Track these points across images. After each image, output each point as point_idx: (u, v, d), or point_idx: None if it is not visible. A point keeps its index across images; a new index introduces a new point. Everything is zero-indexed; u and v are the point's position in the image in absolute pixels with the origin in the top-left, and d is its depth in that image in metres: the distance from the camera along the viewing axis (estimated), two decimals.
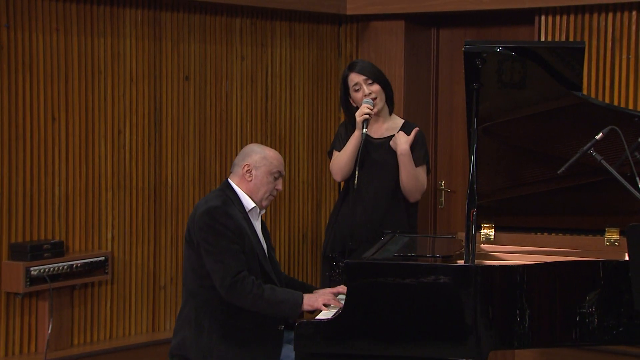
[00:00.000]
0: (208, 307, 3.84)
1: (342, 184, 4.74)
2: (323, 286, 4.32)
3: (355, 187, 4.45)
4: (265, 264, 3.90)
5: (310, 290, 4.10)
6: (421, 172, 4.60)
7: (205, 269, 3.81)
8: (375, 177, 4.58)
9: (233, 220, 3.80)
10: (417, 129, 4.61)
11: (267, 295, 3.77)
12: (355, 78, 4.56)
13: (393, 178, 4.57)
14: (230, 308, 3.80)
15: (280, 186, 4.00)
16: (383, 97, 4.57)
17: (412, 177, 4.52)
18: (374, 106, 4.50)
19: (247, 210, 3.93)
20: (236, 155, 4.08)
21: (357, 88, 4.55)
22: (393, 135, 4.60)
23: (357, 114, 4.49)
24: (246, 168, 3.93)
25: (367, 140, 4.54)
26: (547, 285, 3.56)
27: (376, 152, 4.58)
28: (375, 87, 4.54)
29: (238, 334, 3.82)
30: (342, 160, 4.53)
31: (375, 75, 4.55)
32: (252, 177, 3.93)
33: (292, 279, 4.29)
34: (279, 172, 3.98)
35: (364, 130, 4.45)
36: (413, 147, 4.59)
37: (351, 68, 4.61)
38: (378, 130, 4.62)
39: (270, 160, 3.95)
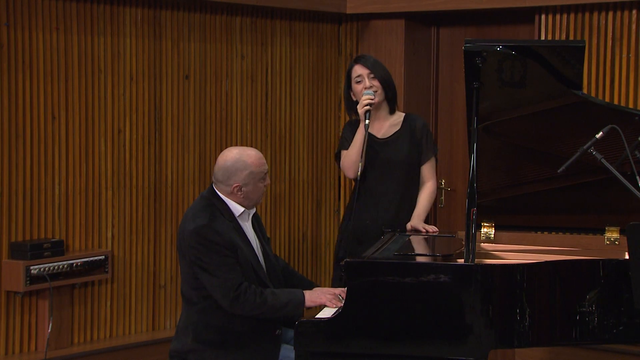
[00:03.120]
0: (205, 314, 3.83)
1: (354, 183, 4.72)
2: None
3: (358, 178, 4.45)
4: (259, 271, 3.89)
5: (309, 285, 4.11)
6: (430, 172, 4.63)
7: (199, 281, 3.80)
8: (385, 176, 4.58)
9: (223, 236, 3.77)
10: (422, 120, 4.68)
11: (270, 301, 3.77)
12: (359, 70, 4.57)
13: (403, 175, 4.57)
14: (226, 314, 3.79)
15: (268, 181, 3.96)
16: (382, 94, 4.57)
17: (433, 200, 4.63)
18: (374, 97, 4.49)
19: (236, 217, 3.90)
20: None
21: (358, 80, 4.56)
22: (397, 132, 4.60)
23: (358, 106, 4.49)
24: (236, 188, 3.87)
25: (372, 140, 4.54)
26: (547, 284, 3.56)
27: (383, 151, 4.58)
28: (376, 83, 4.54)
29: (235, 340, 3.81)
30: (352, 155, 4.52)
31: (379, 72, 4.55)
32: (243, 193, 3.88)
33: (293, 272, 4.27)
34: (265, 172, 3.92)
35: (367, 121, 4.44)
36: (420, 140, 4.59)
37: (357, 60, 4.62)
38: (381, 129, 4.62)
39: (256, 171, 3.88)
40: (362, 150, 4.44)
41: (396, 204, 4.57)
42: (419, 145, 4.60)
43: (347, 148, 4.60)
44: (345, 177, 6.41)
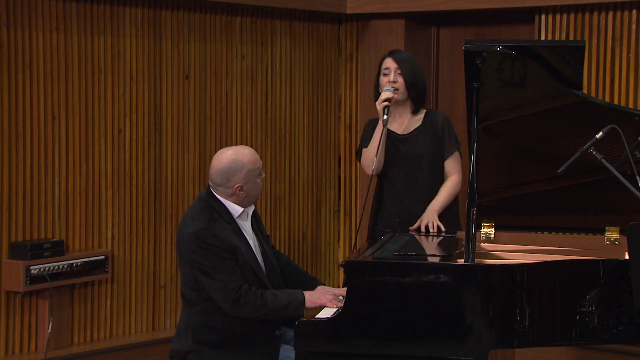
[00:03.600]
0: (205, 315, 3.82)
1: (374, 180, 4.64)
2: None
3: (373, 173, 4.42)
4: (258, 272, 3.88)
5: (312, 281, 4.11)
6: (454, 167, 4.56)
7: (199, 283, 3.79)
8: (407, 172, 4.53)
9: (222, 239, 3.76)
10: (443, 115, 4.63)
11: (271, 303, 3.76)
12: (388, 63, 4.53)
13: (426, 170, 4.53)
14: (226, 315, 3.78)
15: (263, 175, 3.96)
16: (405, 93, 4.51)
17: (454, 194, 4.55)
18: (393, 94, 4.45)
19: (235, 218, 3.89)
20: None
21: (386, 72, 4.52)
22: (418, 128, 4.56)
23: (377, 102, 4.45)
24: (237, 189, 3.85)
25: (392, 136, 4.52)
26: (547, 284, 3.56)
27: (404, 147, 4.54)
28: (401, 80, 4.50)
29: (235, 340, 3.81)
30: (371, 152, 4.49)
31: (406, 70, 4.49)
32: (244, 192, 3.86)
33: (296, 268, 4.26)
34: (260, 167, 3.92)
35: (385, 117, 4.41)
36: (441, 135, 4.54)
37: (390, 53, 4.58)
38: (401, 126, 4.57)
39: (253, 168, 3.87)
40: (378, 146, 4.41)
41: (424, 201, 4.50)
42: (441, 140, 4.54)
43: (367, 146, 4.57)
44: (345, 177, 6.41)
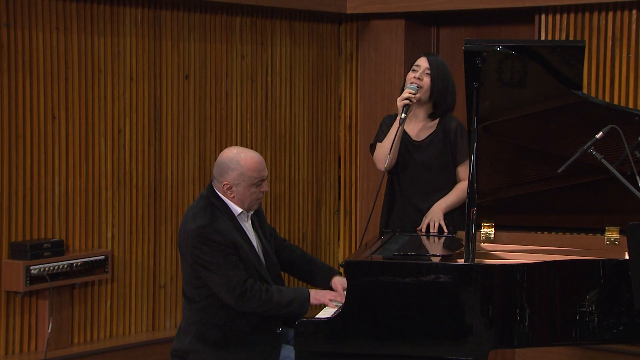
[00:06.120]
0: (206, 312, 3.82)
1: (385, 177, 4.61)
2: None
3: (385, 168, 4.40)
4: (260, 268, 3.88)
5: (329, 270, 4.10)
6: (467, 173, 4.49)
7: (200, 280, 3.80)
8: (419, 178, 4.51)
9: (224, 236, 3.76)
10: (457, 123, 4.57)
11: (276, 298, 3.76)
12: (420, 61, 4.50)
13: (437, 177, 4.50)
14: (228, 313, 3.79)
15: (265, 188, 3.91)
16: (427, 94, 4.48)
17: (462, 197, 4.47)
18: (416, 92, 4.43)
19: (236, 216, 3.89)
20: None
21: (415, 69, 4.49)
22: (431, 134, 4.53)
23: (398, 98, 4.43)
24: (225, 187, 3.85)
25: (407, 140, 4.51)
26: (547, 284, 3.56)
27: (417, 153, 4.51)
28: (427, 80, 4.47)
29: (236, 338, 3.81)
30: (385, 148, 4.47)
31: (435, 73, 4.46)
32: (233, 193, 3.85)
33: (312, 259, 4.23)
34: (261, 179, 3.87)
35: (404, 114, 4.38)
36: (454, 141, 4.50)
37: (426, 53, 4.56)
38: (416, 130, 4.53)
39: (249, 174, 3.83)
40: (392, 143, 4.39)
41: (432, 204, 4.46)
42: (454, 146, 4.50)
43: (382, 140, 4.55)
44: (345, 177, 6.41)
